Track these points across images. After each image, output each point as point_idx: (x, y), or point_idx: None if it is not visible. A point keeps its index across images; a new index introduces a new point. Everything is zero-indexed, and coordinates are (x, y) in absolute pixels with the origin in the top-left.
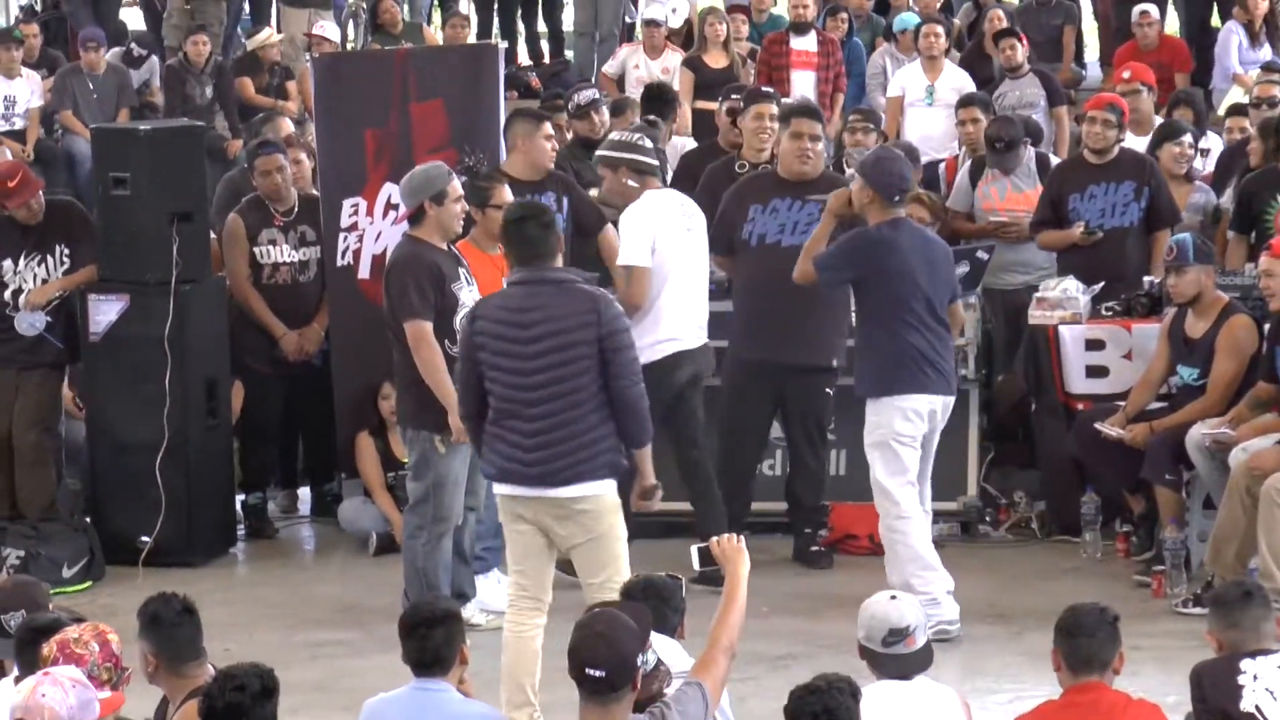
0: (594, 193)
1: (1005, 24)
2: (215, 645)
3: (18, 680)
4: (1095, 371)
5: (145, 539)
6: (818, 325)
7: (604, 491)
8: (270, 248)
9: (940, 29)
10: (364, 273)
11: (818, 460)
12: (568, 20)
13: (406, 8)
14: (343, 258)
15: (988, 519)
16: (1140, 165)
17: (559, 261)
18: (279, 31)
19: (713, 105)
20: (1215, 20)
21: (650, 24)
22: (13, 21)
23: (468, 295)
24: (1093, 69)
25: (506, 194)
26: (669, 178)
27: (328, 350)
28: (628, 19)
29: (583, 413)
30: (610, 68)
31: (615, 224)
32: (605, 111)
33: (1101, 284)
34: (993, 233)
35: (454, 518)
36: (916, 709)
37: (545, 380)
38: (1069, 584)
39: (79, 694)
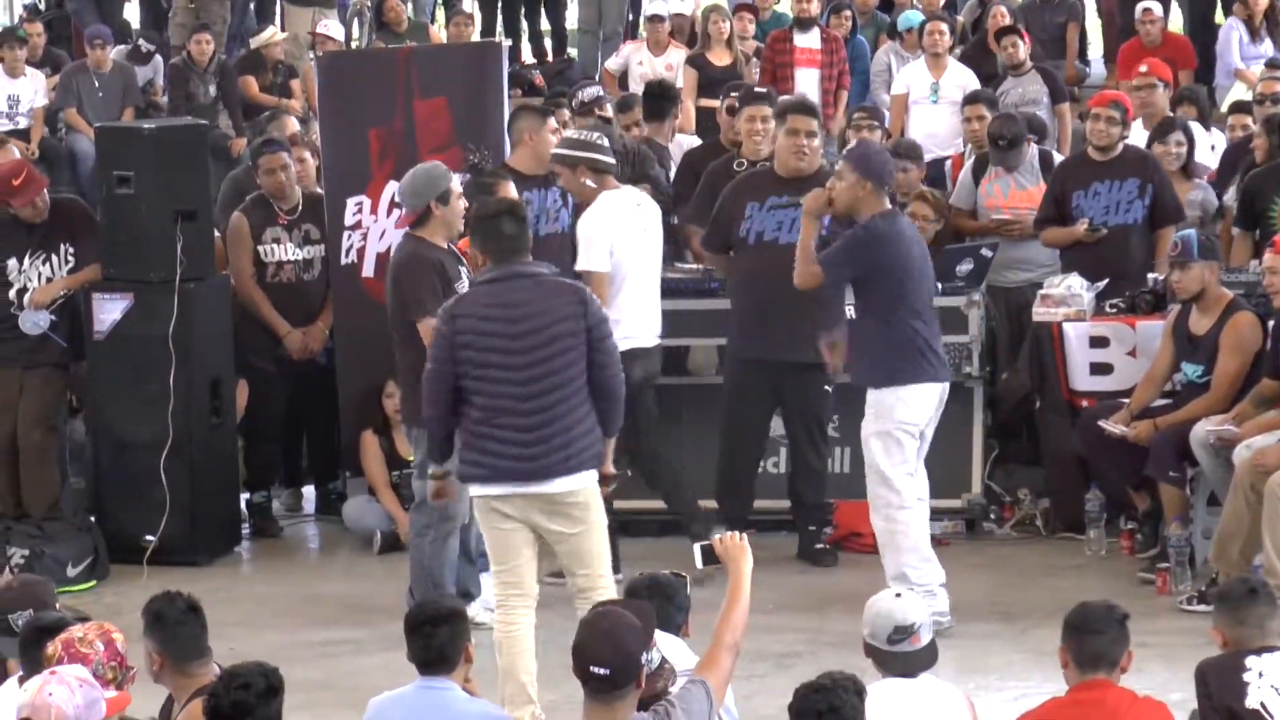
0: None
1: (1008, 21)
2: (220, 644)
3: (22, 680)
4: (1099, 369)
5: (150, 538)
6: (816, 322)
7: (591, 482)
8: (274, 246)
9: (944, 26)
10: (368, 271)
11: (819, 457)
12: (572, 18)
13: (410, 6)
14: (347, 256)
15: (992, 516)
16: (1144, 162)
17: (529, 257)
18: (283, 30)
19: (716, 103)
20: (1219, 17)
21: (654, 20)
22: (16, 20)
23: None
24: (1096, 66)
25: (511, 190)
26: (671, 174)
27: (332, 349)
28: (632, 16)
29: (573, 405)
30: (613, 64)
31: None
32: (609, 108)
33: (1106, 281)
34: (995, 230)
35: (460, 516)
36: (922, 707)
37: (538, 374)
38: (1073, 581)
39: (85, 693)
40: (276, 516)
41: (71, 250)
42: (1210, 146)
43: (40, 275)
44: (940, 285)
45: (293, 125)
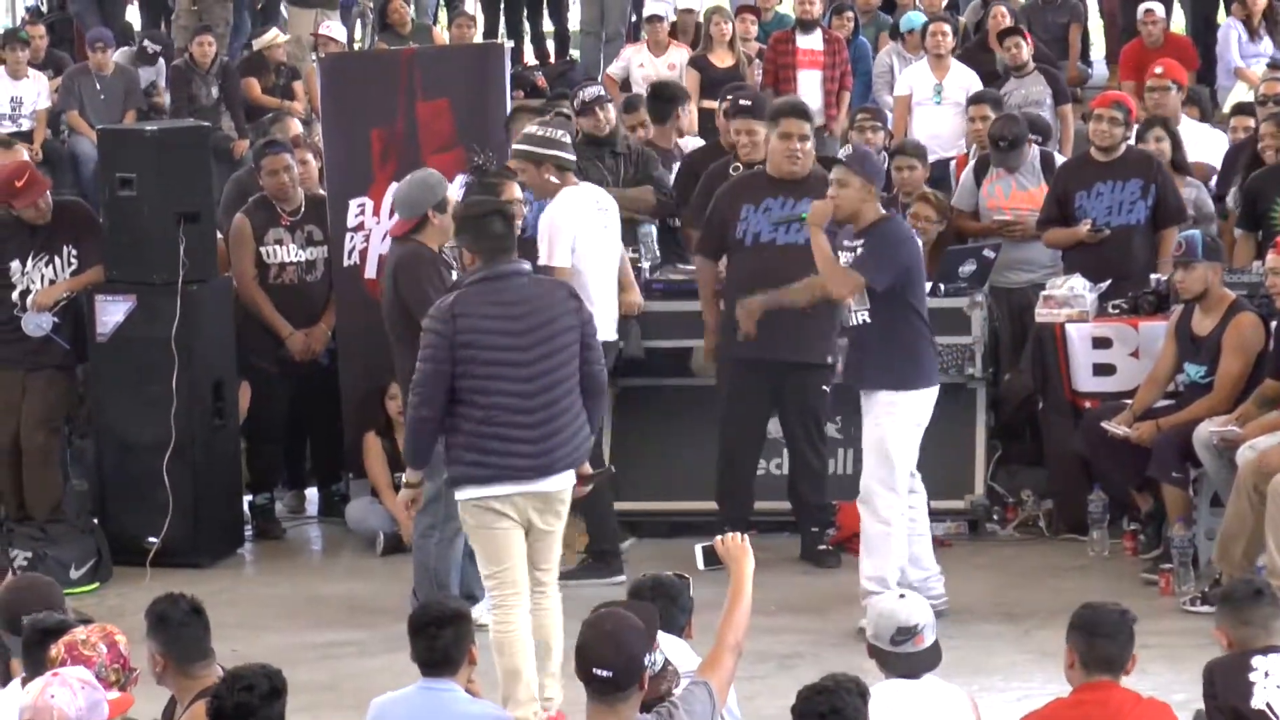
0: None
1: (1009, 21)
2: (223, 646)
3: (25, 682)
4: (1102, 369)
5: (152, 540)
6: (813, 322)
7: (573, 479)
8: (277, 247)
9: (947, 27)
10: (370, 272)
11: (819, 458)
12: (574, 19)
13: (413, 7)
14: (349, 257)
15: (995, 517)
16: (1147, 163)
17: (515, 255)
18: (285, 32)
19: (717, 105)
20: (1221, 17)
21: (653, 20)
22: (19, 23)
23: None
24: (1098, 67)
25: (516, 191)
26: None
27: (334, 350)
28: (634, 17)
29: (571, 401)
30: (615, 70)
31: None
32: (610, 108)
33: (1108, 282)
34: (997, 231)
35: None
36: (925, 708)
37: (543, 371)
38: (1076, 582)
39: (87, 695)
40: (279, 518)
41: (74, 252)
42: (1212, 147)
43: (43, 277)
44: (943, 286)
45: (295, 127)
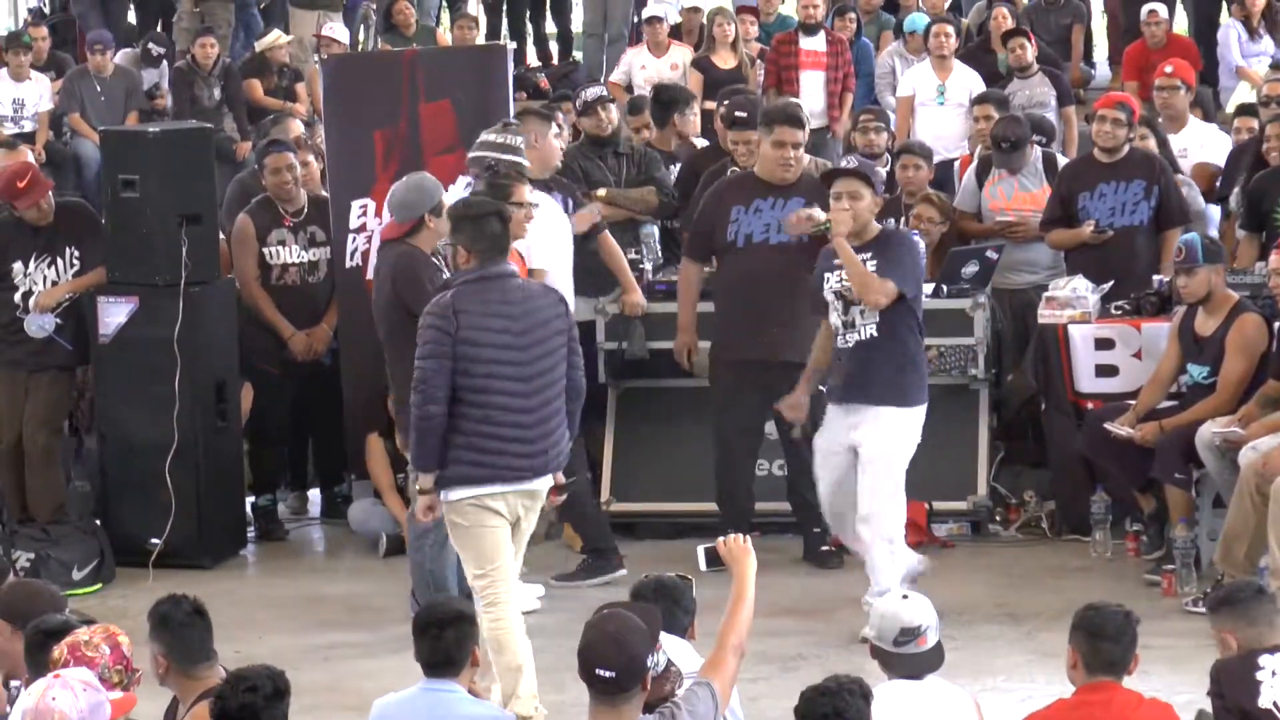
0: (601, 192)
1: (1011, 23)
2: (225, 647)
3: (27, 683)
4: (1105, 370)
5: (155, 541)
6: (807, 323)
7: None
8: (279, 248)
9: (950, 28)
10: (372, 274)
11: None
12: (577, 21)
13: (416, 9)
14: (351, 259)
15: (998, 518)
16: (1150, 164)
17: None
18: (288, 33)
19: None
20: (1224, 18)
21: (652, 21)
22: (21, 24)
23: None
24: (1102, 68)
25: (526, 191)
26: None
27: (337, 351)
28: (637, 19)
29: (561, 403)
30: (617, 75)
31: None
32: (612, 108)
33: (1111, 283)
34: (1000, 232)
35: None
36: (928, 709)
37: (539, 372)
38: (1079, 583)
39: (89, 697)
40: (282, 519)
41: (77, 254)
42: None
43: (45, 279)
44: (945, 287)
45: (297, 128)
